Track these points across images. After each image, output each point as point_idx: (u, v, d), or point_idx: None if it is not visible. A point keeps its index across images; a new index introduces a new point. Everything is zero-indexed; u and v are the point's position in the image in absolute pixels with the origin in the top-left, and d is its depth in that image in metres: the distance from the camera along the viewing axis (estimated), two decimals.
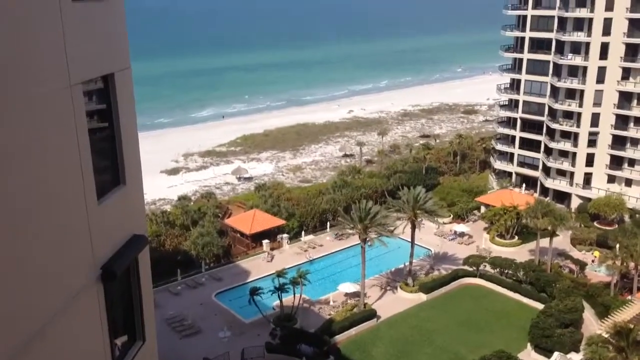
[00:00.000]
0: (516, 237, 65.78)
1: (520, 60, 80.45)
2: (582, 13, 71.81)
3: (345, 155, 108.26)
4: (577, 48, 73.46)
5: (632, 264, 52.53)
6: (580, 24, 72.60)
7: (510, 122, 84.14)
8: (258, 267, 60.84)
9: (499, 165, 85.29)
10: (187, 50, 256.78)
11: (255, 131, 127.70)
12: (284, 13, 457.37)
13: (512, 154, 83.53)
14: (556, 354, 42.25)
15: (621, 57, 69.98)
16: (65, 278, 8.58)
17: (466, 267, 58.30)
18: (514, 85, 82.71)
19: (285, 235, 66.63)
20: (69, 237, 8.69)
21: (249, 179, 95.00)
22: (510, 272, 56.66)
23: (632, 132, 70.61)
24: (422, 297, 54.70)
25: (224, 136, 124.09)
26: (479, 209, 73.78)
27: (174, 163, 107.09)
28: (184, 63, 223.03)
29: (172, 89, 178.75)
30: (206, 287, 57.13)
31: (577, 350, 43.87)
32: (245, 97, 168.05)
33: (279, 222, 67.15)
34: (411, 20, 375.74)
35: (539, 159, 79.97)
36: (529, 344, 46.32)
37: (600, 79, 71.46)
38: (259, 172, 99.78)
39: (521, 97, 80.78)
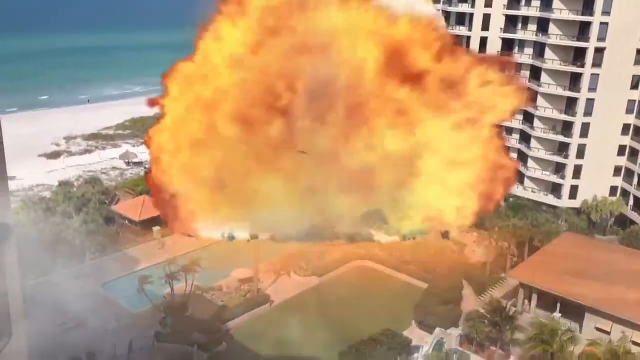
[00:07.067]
0: None
1: None
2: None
3: None
4: None
5: (505, 244, 56.93)
6: None
7: None
8: (148, 255, 58.82)
9: None
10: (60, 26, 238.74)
11: (146, 114, 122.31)
12: None
13: None
14: (437, 329, 44.98)
15: None
16: None
17: None
18: None
19: None
20: None
21: (139, 163, 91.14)
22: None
23: None
24: (316, 281, 55.70)
25: (111, 118, 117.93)
26: None
27: (54, 146, 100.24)
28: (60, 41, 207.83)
29: (49, 67, 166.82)
30: (92, 276, 54.30)
31: (457, 326, 46.89)
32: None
33: None
34: None
35: None
36: (413, 322, 48.79)
37: None
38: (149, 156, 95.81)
39: None
